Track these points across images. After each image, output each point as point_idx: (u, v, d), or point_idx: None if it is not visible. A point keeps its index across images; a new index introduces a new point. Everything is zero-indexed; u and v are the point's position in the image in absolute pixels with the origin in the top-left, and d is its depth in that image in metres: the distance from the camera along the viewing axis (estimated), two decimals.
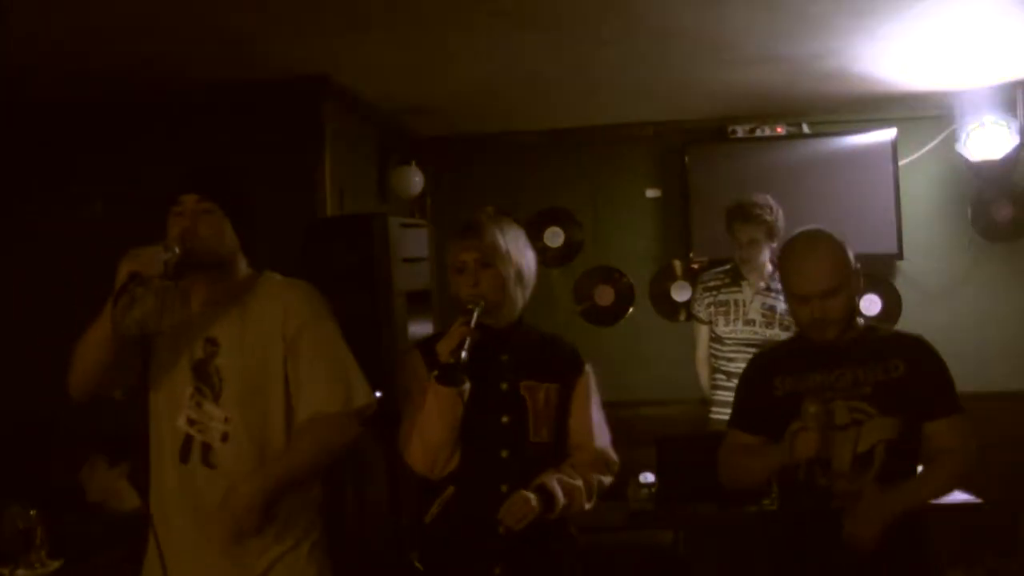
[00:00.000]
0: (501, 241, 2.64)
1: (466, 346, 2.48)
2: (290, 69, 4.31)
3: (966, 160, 5.49)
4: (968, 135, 5.37)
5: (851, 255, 2.60)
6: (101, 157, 4.62)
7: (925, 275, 5.72)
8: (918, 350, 2.62)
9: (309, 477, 2.53)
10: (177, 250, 2.36)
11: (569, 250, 5.99)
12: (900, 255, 5.57)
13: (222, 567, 2.43)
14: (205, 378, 2.47)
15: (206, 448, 2.45)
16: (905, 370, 2.56)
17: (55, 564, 3.26)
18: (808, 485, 2.58)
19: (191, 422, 2.46)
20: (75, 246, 4.53)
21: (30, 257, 4.65)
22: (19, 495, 3.50)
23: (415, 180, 5.31)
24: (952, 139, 5.51)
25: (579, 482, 2.62)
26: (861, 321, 2.68)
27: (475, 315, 2.53)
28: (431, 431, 2.55)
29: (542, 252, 5.93)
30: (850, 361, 2.58)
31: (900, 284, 5.73)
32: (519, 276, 2.67)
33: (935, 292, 5.72)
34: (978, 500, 3.79)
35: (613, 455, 2.76)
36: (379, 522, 4.12)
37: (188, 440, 2.46)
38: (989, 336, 5.54)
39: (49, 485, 3.92)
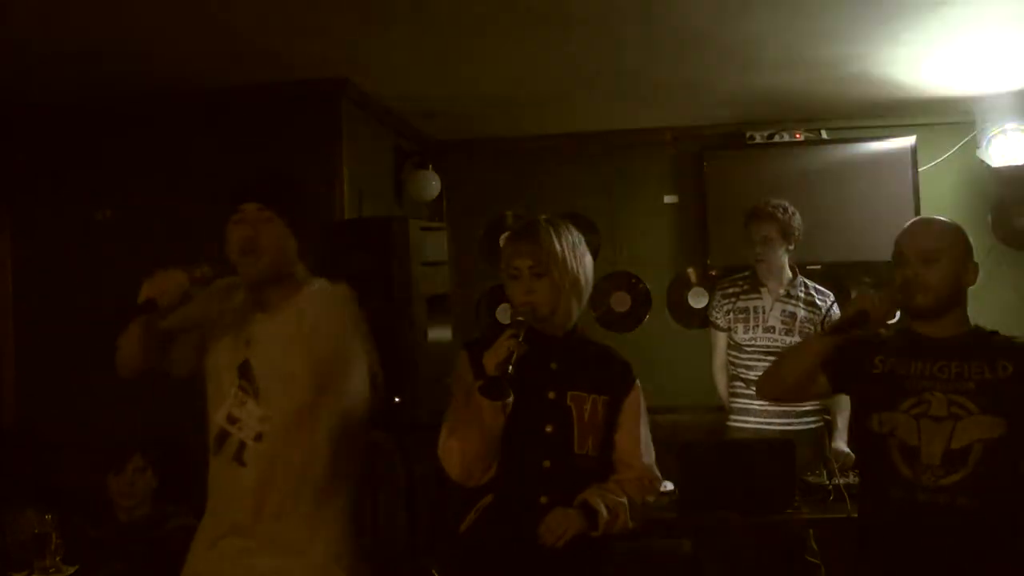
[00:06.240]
0: (558, 248, 2.53)
1: (513, 360, 2.36)
2: (308, 72, 4.30)
3: (987, 166, 5.44)
4: (990, 141, 5.31)
5: (968, 241, 2.58)
6: (117, 161, 4.60)
7: None
8: None
9: None
10: (208, 271, 2.41)
11: None
12: None
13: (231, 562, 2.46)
14: (248, 375, 2.46)
15: (241, 446, 2.45)
16: (1014, 372, 2.45)
17: (70, 570, 3.22)
18: (891, 474, 2.46)
19: (231, 419, 2.47)
20: (93, 249, 4.54)
21: (45, 259, 4.64)
22: (34, 499, 3.48)
23: (432, 184, 5.28)
24: (973, 145, 5.45)
25: (624, 499, 2.53)
26: (972, 322, 2.60)
27: (523, 328, 2.41)
28: (470, 441, 2.45)
29: None
30: (955, 355, 2.50)
31: None
32: (575, 285, 2.55)
33: None
34: None
35: (657, 473, 2.68)
36: (395, 530, 4.08)
37: (223, 435, 2.48)
38: None
39: (65, 489, 3.90)
